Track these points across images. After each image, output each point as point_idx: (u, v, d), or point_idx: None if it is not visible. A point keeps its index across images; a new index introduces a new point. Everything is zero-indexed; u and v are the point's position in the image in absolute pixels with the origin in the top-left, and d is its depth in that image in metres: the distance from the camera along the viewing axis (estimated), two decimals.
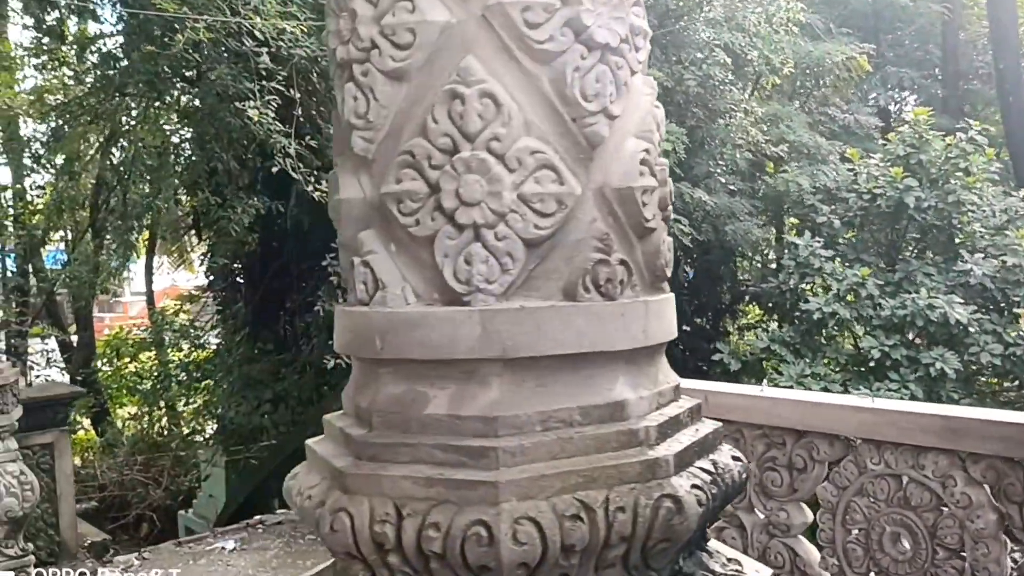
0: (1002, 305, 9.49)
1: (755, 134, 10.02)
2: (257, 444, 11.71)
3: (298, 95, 7.84)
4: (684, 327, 14.08)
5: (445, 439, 1.45)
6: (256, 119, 7.32)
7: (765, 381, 8.64)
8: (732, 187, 10.42)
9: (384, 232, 1.56)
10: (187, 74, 10.49)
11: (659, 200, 1.62)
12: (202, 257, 14.01)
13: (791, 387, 9.21)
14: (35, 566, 4.94)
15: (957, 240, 9.77)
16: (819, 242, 9.75)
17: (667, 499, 1.44)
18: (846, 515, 4.11)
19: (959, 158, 9.45)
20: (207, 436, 15.13)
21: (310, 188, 8.03)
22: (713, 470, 1.58)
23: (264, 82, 7.66)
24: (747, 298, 15.70)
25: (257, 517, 6.55)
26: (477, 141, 1.46)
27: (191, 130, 10.21)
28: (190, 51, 8.00)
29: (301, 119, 7.99)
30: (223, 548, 5.92)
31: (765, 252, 13.30)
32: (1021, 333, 9.12)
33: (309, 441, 1.76)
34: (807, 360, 9.60)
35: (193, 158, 10.03)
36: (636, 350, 1.57)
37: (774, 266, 12.78)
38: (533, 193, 1.48)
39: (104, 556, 5.88)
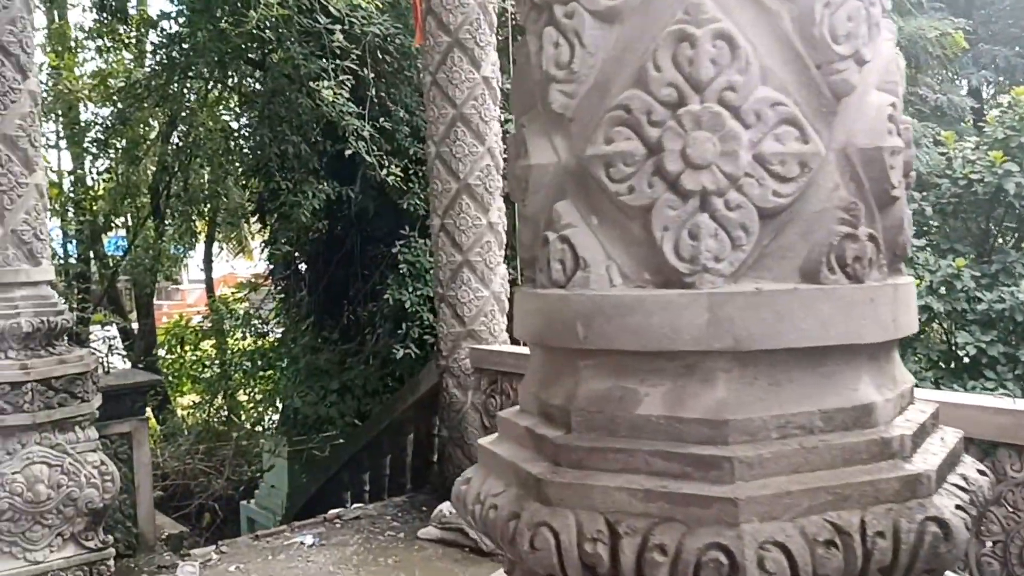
0: None
1: None
2: (320, 435, 11.68)
3: (371, 75, 7.70)
4: None
5: (664, 445, 1.24)
6: (330, 99, 7.17)
7: None
8: None
9: (584, 202, 1.35)
10: (251, 56, 10.41)
11: (904, 164, 1.39)
12: (263, 244, 13.95)
13: None
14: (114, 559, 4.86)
15: None
16: (912, 230, 9.34)
17: (932, 522, 1.21)
18: (980, 526, 3.87)
19: None
20: (269, 426, 15.15)
21: (384, 172, 7.89)
22: (966, 487, 1.34)
23: (338, 61, 7.51)
24: None
25: (333, 511, 6.42)
26: (708, 91, 1.24)
27: (255, 113, 10.10)
28: (262, 28, 7.87)
29: (375, 100, 7.84)
30: (301, 543, 5.80)
31: None
32: None
33: (483, 441, 1.56)
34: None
35: (258, 141, 9.91)
36: (880, 344, 1.34)
37: None
38: (773, 153, 1.25)
39: (181, 549, 5.80)
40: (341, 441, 11.49)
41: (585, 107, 1.33)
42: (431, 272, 9.95)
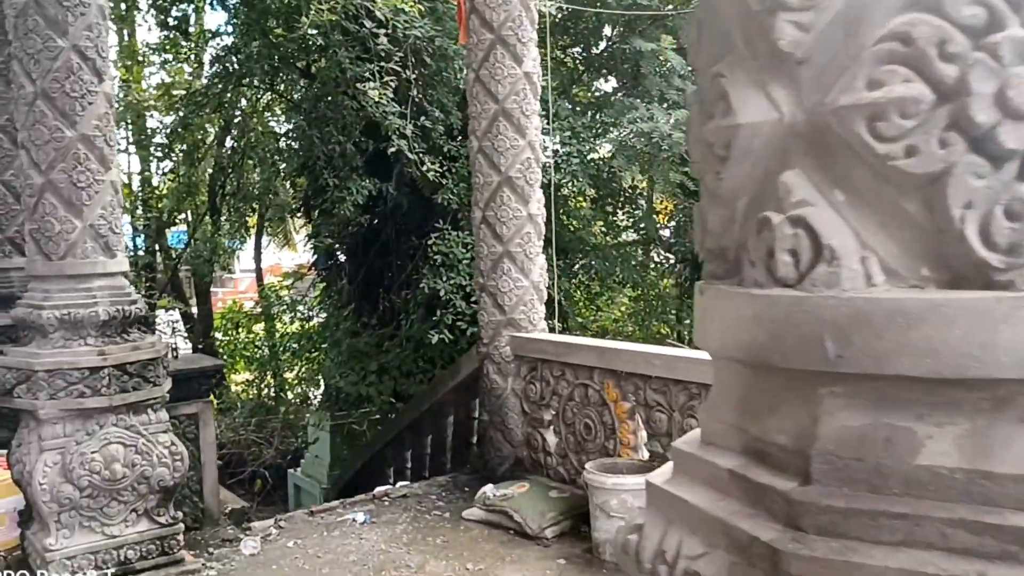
0: None
1: None
2: (359, 411, 11.44)
3: (413, 76, 7.23)
4: None
5: (967, 511, 0.78)
6: (376, 100, 6.71)
7: None
8: None
9: (824, 172, 0.87)
10: (299, 65, 10.02)
11: None
12: (307, 237, 13.65)
13: None
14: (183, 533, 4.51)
15: None
16: None
17: None
18: None
19: None
20: (313, 402, 14.94)
21: (424, 168, 7.44)
22: None
23: (383, 63, 7.05)
24: None
25: (381, 489, 6.00)
26: None
27: (302, 117, 9.69)
28: (313, 34, 7.42)
29: (416, 100, 7.38)
30: (353, 520, 5.38)
31: None
32: None
33: (653, 478, 1.10)
34: None
35: (305, 142, 9.51)
36: None
37: None
38: None
39: (243, 523, 5.39)
40: (378, 417, 11.20)
41: (827, 43, 0.86)
42: (463, 262, 9.58)
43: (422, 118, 7.41)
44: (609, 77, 10.91)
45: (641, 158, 9.43)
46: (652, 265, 12.23)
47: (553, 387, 5.58)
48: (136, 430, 4.31)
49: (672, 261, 12.85)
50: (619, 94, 10.57)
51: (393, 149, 7.47)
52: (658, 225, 12.98)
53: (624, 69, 10.17)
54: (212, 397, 5.84)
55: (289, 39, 8.44)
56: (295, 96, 11.27)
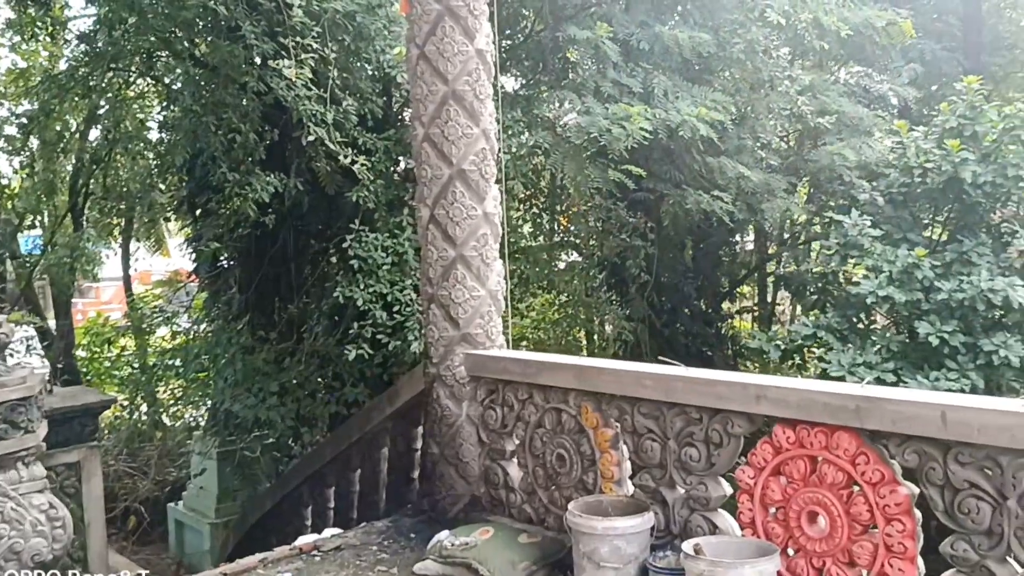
0: None
1: (801, 104, 8.96)
2: (252, 435, 10.66)
3: (333, 55, 6.54)
4: (686, 310, 13.12)
5: None
6: (295, 78, 5.99)
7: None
8: (772, 162, 9.37)
9: None
10: (185, 43, 9.12)
11: None
12: (186, 242, 12.64)
13: (842, 377, 8.25)
14: None
15: (1013, 216, 8.86)
16: (868, 220, 8.76)
17: None
18: None
19: (1019, 129, 8.50)
20: (195, 426, 13.89)
21: (348, 161, 6.76)
22: None
23: (299, 37, 6.33)
24: (745, 279, 14.85)
25: (308, 540, 5.29)
26: None
27: (190, 102, 8.80)
28: (200, 8, 6.62)
29: (337, 82, 6.69)
30: None
31: (799, 232, 12.32)
32: None
33: None
34: (856, 347, 8.63)
35: (193, 132, 8.64)
36: None
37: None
38: None
39: None
40: (272, 441, 10.39)
41: None
42: (384, 268, 8.96)
43: (344, 103, 6.73)
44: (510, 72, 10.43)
45: (575, 155, 9.03)
46: (577, 268, 11.86)
47: (518, 412, 5.04)
48: (2, 492, 3.50)
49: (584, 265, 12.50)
50: (544, 88, 10.14)
51: (312, 138, 6.74)
52: (563, 226, 12.67)
53: (553, 59, 9.76)
54: (98, 440, 5.00)
55: (169, 15, 7.59)
56: (177, 80, 10.33)
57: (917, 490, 3.43)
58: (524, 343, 13.61)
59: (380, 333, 8.74)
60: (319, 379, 10.40)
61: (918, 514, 3.43)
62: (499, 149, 5.40)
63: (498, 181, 5.40)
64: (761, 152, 9.18)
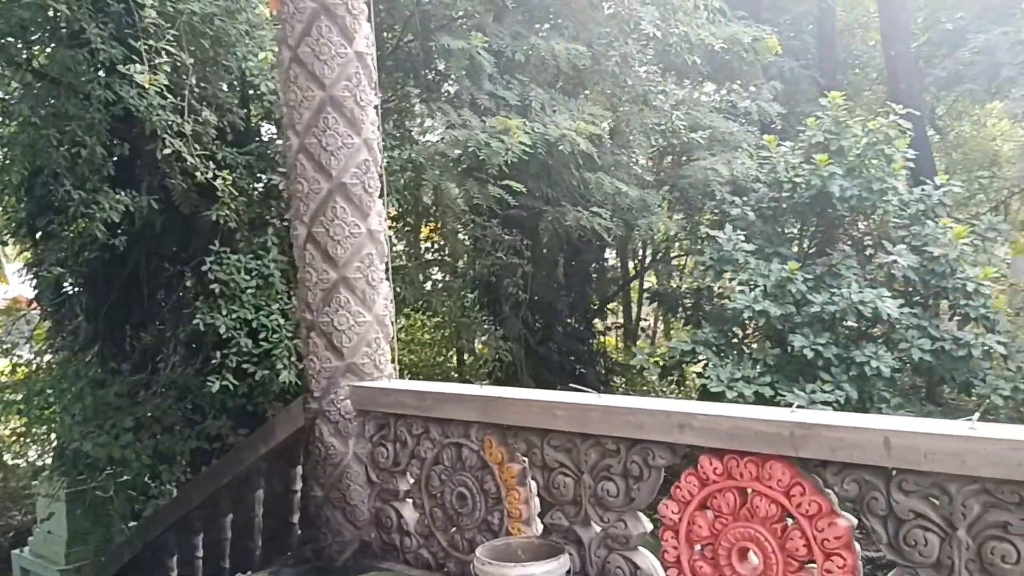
0: (925, 298, 8.93)
1: (675, 119, 8.92)
2: (104, 474, 9.67)
3: (191, 60, 5.87)
4: (559, 327, 12.97)
5: None
6: (148, 84, 5.29)
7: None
8: (647, 177, 9.29)
9: None
10: (18, 44, 8.12)
11: None
12: (26, 267, 11.37)
13: (722, 393, 8.22)
14: None
15: (875, 230, 9.12)
16: (742, 235, 8.80)
17: None
18: None
19: (882, 144, 8.76)
20: (41, 467, 12.56)
21: (210, 176, 6.07)
22: None
23: (151, 41, 5.62)
24: (618, 295, 14.86)
25: None
26: None
27: (30, 114, 7.81)
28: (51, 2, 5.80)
29: (195, 91, 6.01)
30: None
31: (668, 248, 12.35)
32: (945, 328, 8.56)
33: None
34: (734, 362, 8.63)
35: (32, 148, 7.67)
36: None
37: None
38: None
39: None
40: (127, 479, 9.44)
41: None
42: (248, 292, 8.28)
43: (204, 113, 6.05)
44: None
45: (449, 170, 8.64)
46: (452, 288, 11.45)
47: (412, 449, 4.56)
48: None
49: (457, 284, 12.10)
50: (416, 101, 9.70)
51: (167, 152, 6.01)
52: (436, 244, 12.26)
53: (423, 71, 9.34)
54: None
55: (2, 16, 6.68)
56: (14, 93, 9.22)
57: (855, 521, 3.21)
58: (395, 366, 13.03)
59: (246, 362, 8.04)
60: (178, 412, 9.54)
61: (857, 547, 3.20)
62: (383, 161, 4.93)
63: (381, 195, 4.93)
64: (636, 168, 9.09)
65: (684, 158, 9.71)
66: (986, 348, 8.40)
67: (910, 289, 8.96)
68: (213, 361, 8.15)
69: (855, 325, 8.41)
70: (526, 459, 4.12)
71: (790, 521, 3.31)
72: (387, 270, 4.94)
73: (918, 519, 3.00)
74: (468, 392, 4.42)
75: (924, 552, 2.98)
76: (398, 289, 10.28)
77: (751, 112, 10.19)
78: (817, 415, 3.39)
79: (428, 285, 11.79)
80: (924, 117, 11.21)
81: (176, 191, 7.91)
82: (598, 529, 3.88)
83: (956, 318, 8.81)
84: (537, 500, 4.16)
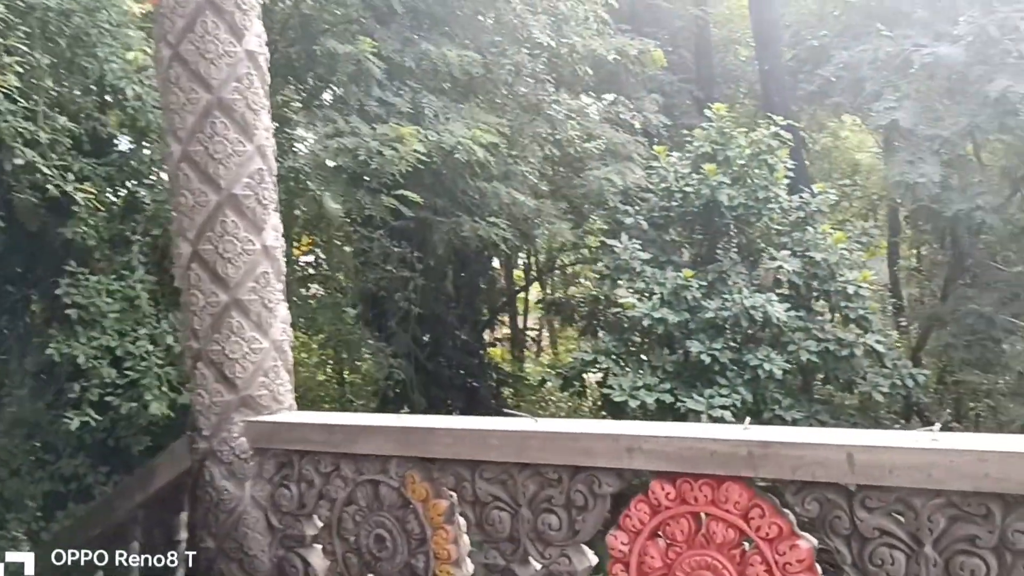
0: (808, 301, 9.13)
1: (569, 128, 8.77)
2: None
3: (45, 61, 5.18)
4: (449, 341, 12.62)
5: None
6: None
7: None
8: (542, 187, 9.10)
9: None
10: None
11: None
12: None
13: (625, 402, 8.12)
14: None
15: (759, 236, 9.28)
16: (638, 244, 8.75)
17: None
18: None
19: (765, 153, 8.92)
20: None
21: (70, 188, 5.38)
22: None
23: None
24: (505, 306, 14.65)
25: None
26: None
27: None
28: None
29: (51, 94, 5.31)
30: None
31: (559, 257, 12.18)
32: (829, 329, 8.78)
33: None
34: (634, 370, 8.55)
35: None
36: None
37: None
38: None
39: None
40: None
41: None
42: (110, 317, 7.55)
43: (60, 120, 5.35)
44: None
45: (335, 179, 8.17)
46: (337, 303, 10.90)
47: (320, 489, 4.09)
48: None
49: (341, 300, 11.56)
50: (299, 107, 9.17)
51: (19, 162, 5.28)
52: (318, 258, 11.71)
53: (306, 76, 8.81)
54: None
55: None
56: None
57: (817, 542, 3.03)
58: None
59: (108, 394, 7.31)
60: (26, 452, 8.62)
61: (819, 570, 3.02)
62: (276, 170, 4.46)
63: (276, 208, 4.45)
64: (532, 177, 8.89)
65: (579, 167, 9.59)
66: (867, 347, 8.67)
67: (794, 293, 9.16)
68: (70, 395, 7.37)
69: (747, 329, 8.50)
70: (454, 494, 3.75)
71: (748, 545, 3.11)
72: (284, 290, 4.47)
73: (884, 537, 2.84)
74: (385, 423, 4.01)
75: (891, 571, 2.82)
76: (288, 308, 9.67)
77: (637, 124, 10.21)
78: (774, 432, 3.20)
79: (313, 300, 11.22)
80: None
81: (21, 207, 7.10)
82: (538, 567, 3.55)
83: (837, 319, 9.10)
84: (467, 539, 3.80)
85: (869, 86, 10.78)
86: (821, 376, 9.25)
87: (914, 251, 15.67)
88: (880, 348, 8.71)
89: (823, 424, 8.74)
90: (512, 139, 8.48)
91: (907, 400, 9.83)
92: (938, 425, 2.94)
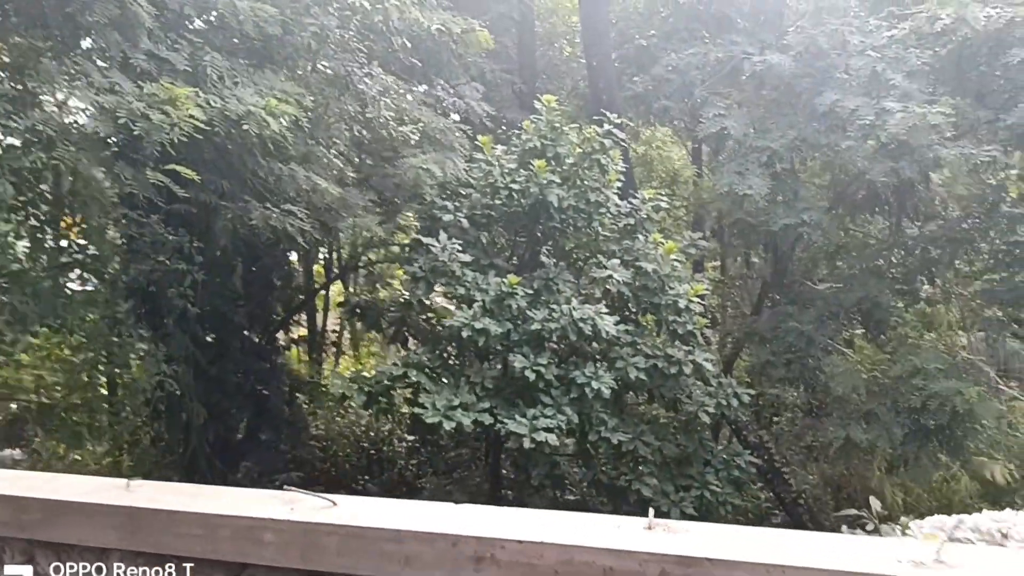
0: (636, 315, 8.49)
1: (382, 108, 7.61)
2: None
3: None
4: (236, 343, 11.10)
5: None
6: None
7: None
8: (349, 174, 7.85)
9: None
10: None
11: None
12: None
13: (439, 423, 7.09)
14: None
15: (586, 242, 8.53)
16: (458, 244, 7.72)
17: None
18: None
19: (598, 153, 8.16)
20: None
21: None
22: None
23: None
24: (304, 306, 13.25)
25: None
26: None
27: None
28: None
29: None
30: None
31: (369, 254, 10.88)
32: (657, 345, 8.16)
33: None
34: (450, 387, 7.53)
35: None
36: None
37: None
38: None
39: None
40: None
41: None
42: None
43: None
44: None
45: (92, 148, 6.55)
46: (98, 298, 9.07)
47: None
48: None
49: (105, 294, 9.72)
50: (47, 55, 7.36)
51: None
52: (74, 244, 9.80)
53: (56, 18, 7.04)
54: None
55: None
56: None
57: None
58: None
59: None
60: None
61: None
62: None
63: None
64: (337, 162, 7.63)
65: (391, 154, 8.44)
66: (696, 365, 8.17)
67: (622, 305, 8.52)
68: None
69: (576, 343, 7.73)
70: None
71: None
72: None
73: None
74: (106, 500, 2.72)
75: None
76: (18, 303, 7.80)
77: (459, 111, 9.21)
78: (695, 541, 2.25)
79: (71, 293, 9.28)
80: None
81: None
82: None
83: (664, 334, 8.55)
84: None
85: (698, 92, 10.44)
86: (644, 394, 8.67)
87: (717, 263, 15.76)
88: (708, 366, 8.23)
89: (647, 445, 8.15)
90: (316, 116, 7.20)
91: (724, 418, 9.50)
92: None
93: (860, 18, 9.65)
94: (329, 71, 7.36)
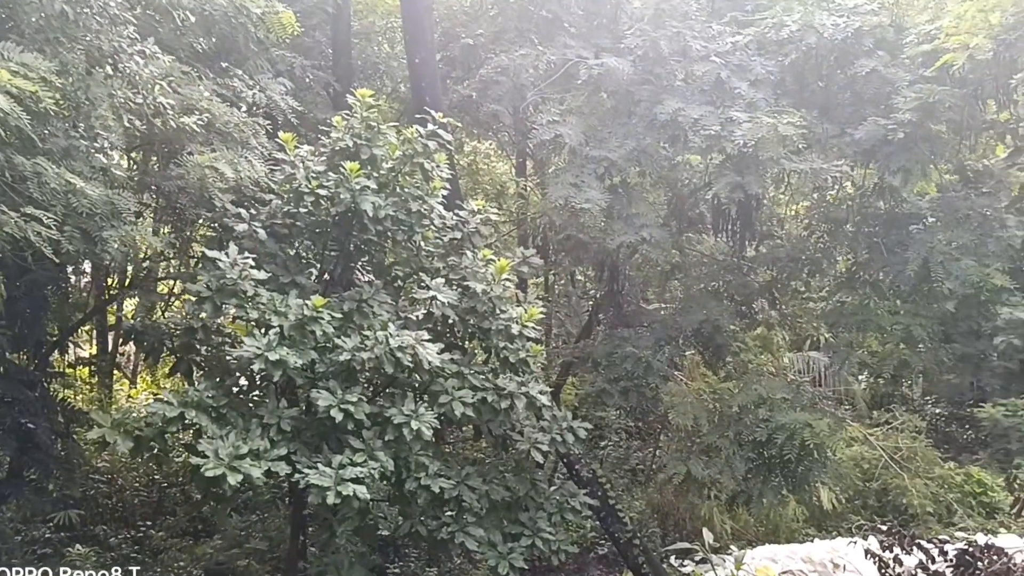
0: (463, 341, 7.84)
1: (158, 94, 6.60)
2: None
3: None
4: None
5: None
6: None
7: None
8: (117, 172, 6.75)
9: None
10: None
11: None
12: None
13: (223, 476, 6.15)
14: None
15: (407, 258, 7.81)
16: (250, 259, 6.79)
17: None
18: None
19: (420, 156, 7.48)
20: None
21: None
22: None
23: None
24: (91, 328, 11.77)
25: None
26: None
27: None
28: None
29: None
30: None
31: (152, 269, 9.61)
32: (487, 377, 7.51)
33: None
34: (239, 430, 6.57)
35: None
36: None
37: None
38: None
39: None
40: None
41: None
42: None
43: None
44: None
45: None
46: None
47: None
48: None
49: None
50: None
51: None
52: None
53: None
54: None
55: None
56: None
57: None
58: None
59: None
60: None
61: None
62: None
63: None
64: (101, 158, 6.53)
65: (170, 149, 7.40)
66: (529, 398, 7.64)
67: (447, 331, 7.88)
68: None
69: (394, 375, 6.99)
70: None
71: None
72: None
73: None
74: None
75: None
76: None
77: (261, 105, 8.27)
78: None
79: None
80: None
81: None
82: None
83: (493, 362, 7.97)
84: None
85: (531, 96, 10.04)
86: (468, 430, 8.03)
87: (539, 280, 15.46)
88: (543, 399, 7.72)
89: (473, 490, 7.51)
90: (73, 99, 6.10)
91: (557, 453, 9.03)
92: None
93: (702, 23, 9.54)
94: (90, 44, 6.27)
